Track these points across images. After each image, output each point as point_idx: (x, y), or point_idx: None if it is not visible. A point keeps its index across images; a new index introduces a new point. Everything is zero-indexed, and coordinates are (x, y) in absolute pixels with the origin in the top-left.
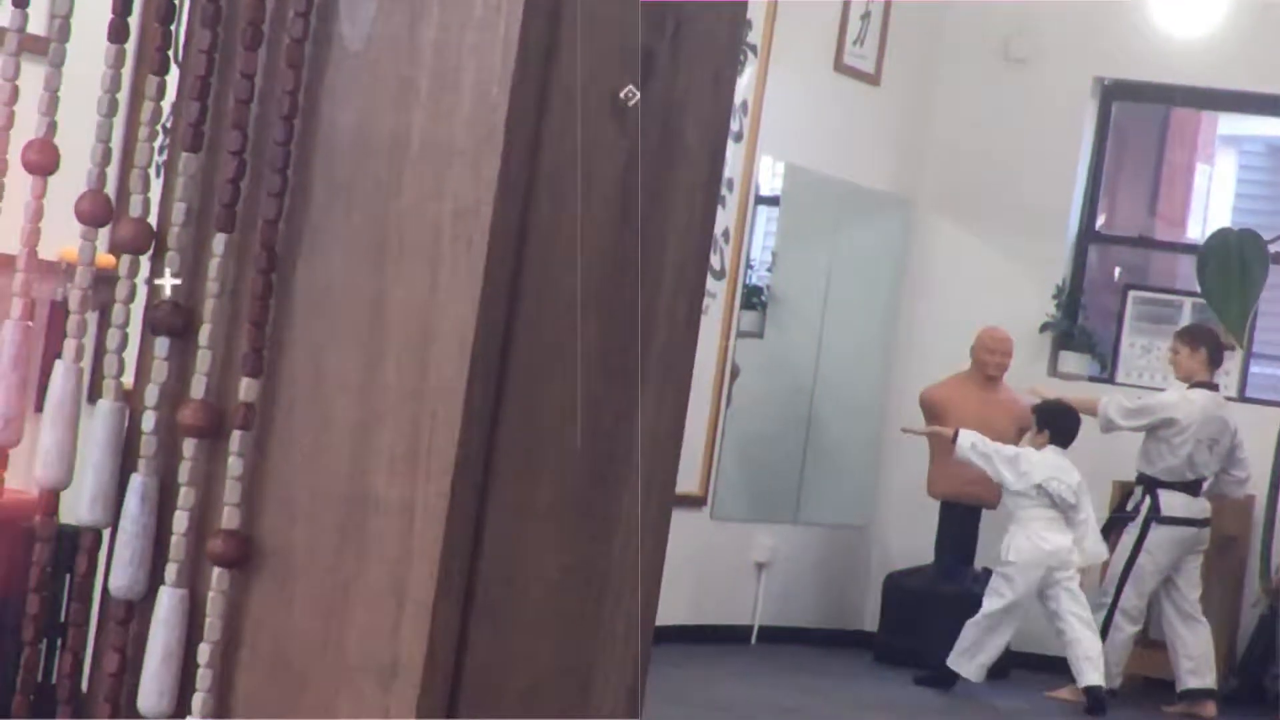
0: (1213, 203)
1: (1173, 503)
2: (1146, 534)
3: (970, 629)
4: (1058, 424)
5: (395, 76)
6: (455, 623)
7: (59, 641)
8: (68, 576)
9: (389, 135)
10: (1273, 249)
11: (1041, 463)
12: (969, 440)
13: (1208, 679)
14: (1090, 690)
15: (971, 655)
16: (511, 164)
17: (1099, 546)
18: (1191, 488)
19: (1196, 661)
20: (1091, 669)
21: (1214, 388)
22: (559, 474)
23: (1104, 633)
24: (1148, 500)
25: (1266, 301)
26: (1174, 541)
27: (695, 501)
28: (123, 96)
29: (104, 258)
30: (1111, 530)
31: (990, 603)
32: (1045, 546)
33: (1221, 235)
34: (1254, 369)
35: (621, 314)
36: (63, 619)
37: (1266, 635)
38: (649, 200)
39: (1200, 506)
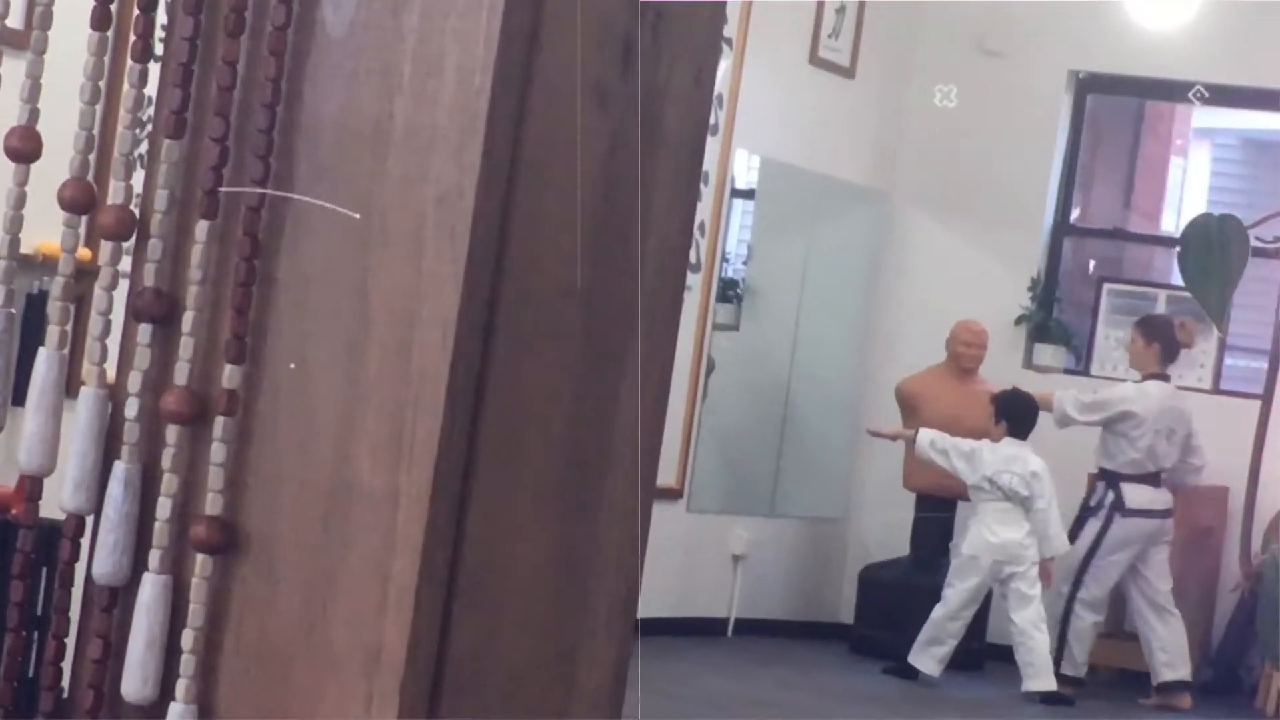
0: (1187, 195)
1: (1135, 495)
2: (1109, 527)
3: (929, 625)
4: (1015, 413)
5: (378, 63)
6: (439, 610)
7: (36, 631)
8: (44, 570)
9: (372, 121)
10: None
11: (994, 455)
12: (928, 438)
13: (1182, 671)
14: (1039, 695)
15: (927, 649)
16: (494, 150)
17: (1060, 538)
18: (1153, 479)
19: (1171, 654)
20: (1033, 674)
21: (1165, 379)
22: (542, 461)
23: (1064, 622)
24: (1110, 494)
25: (1239, 294)
26: (1138, 533)
27: (672, 494)
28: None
29: (81, 252)
30: (1079, 525)
31: (945, 596)
32: (993, 539)
33: (1202, 220)
34: (1228, 361)
35: (604, 301)
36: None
37: (1243, 620)
38: (630, 188)
39: (1164, 498)
